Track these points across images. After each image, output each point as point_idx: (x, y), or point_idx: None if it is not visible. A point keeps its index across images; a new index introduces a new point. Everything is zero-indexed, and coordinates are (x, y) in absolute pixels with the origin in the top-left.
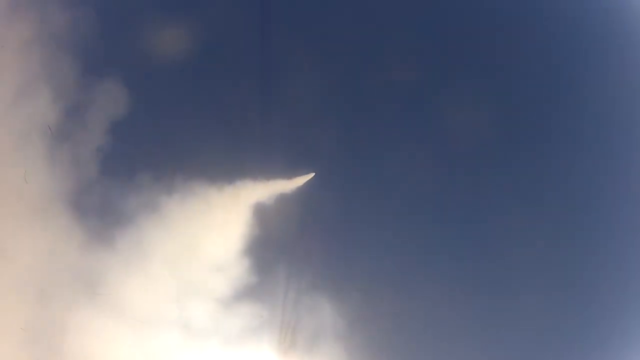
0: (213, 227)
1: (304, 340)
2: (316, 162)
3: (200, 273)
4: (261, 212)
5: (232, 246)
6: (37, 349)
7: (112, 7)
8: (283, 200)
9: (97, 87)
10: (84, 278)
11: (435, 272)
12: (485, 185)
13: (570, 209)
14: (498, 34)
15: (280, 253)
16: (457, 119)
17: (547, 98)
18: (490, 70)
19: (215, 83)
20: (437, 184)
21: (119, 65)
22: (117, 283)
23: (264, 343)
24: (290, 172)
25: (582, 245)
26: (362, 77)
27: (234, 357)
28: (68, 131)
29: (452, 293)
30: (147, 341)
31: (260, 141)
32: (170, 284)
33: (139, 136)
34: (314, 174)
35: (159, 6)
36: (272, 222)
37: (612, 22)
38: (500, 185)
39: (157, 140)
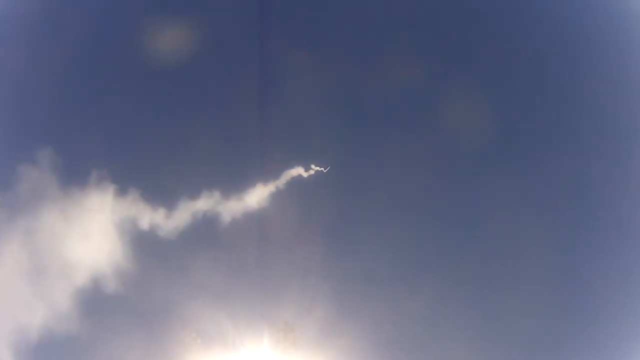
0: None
1: (304, 340)
2: (316, 162)
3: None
4: (260, 211)
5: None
6: None
7: (108, 5)
8: (282, 199)
9: None
10: None
11: (436, 271)
12: (486, 185)
13: (571, 208)
14: (499, 34)
15: (280, 252)
16: (458, 118)
17: (548, 98)
18: (491, 71)
19: (213, 83)
20: (437, 183)
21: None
22: None
23: (264, 343)
24: (287, 172)
25: (584, 245)
26: (363, 77)
27: (233, 356)
28: None
29: (453, 293)
30: None
31: (259, 141)
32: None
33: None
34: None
35: (155, 5)
36: (270, 221)
37: (613, 21)
38: (502, 184)
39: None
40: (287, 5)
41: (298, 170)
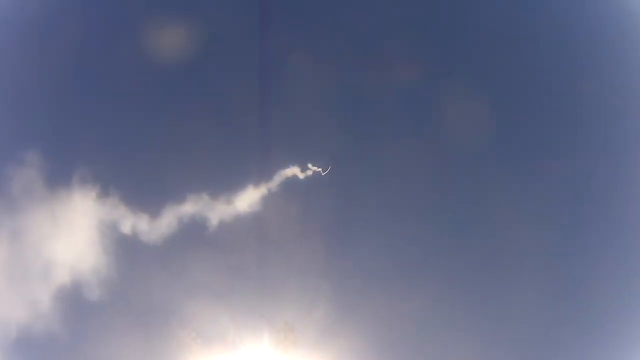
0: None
1: (304, 340)
2: (316, 161)
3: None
4: (260, 211)
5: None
6: None
7: (100, 3)
8: (281, 199)
9: None
10: None
11: (437, 271)
12: (488, 186)
13: (571, 208)
14: (499, 34)
15: (280, 253)
16: (458, 118)
17: (548, 98)
18: (491, 71)
19: (208, 82)
20: (438, 183)
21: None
22: None
23: (264, 343)
24: (285, 172)
25: (585, 245)
26: (363, 77)
27: (233, 356)
28: None
29: (454, 293)
30: None
31: (256, 141)
32: None
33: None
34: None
35: (153, 4)
36: (270, 221)
37: (613, 21)
38: (502, 185)
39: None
40: (288, 5)
41: (296, 171)
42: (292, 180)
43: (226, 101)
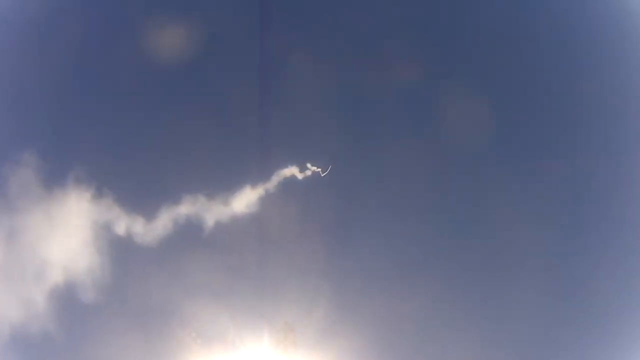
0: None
1: (304, 340)
2: (315, 161)
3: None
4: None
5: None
6: None
7: (106, 4)
8: (281, 199)
9: None
10: None
11: (437, 271)
12: (488, 186)
13: (571, 208)
14: (499, 34)
15: (280, 253)
16: (458, 118)
17: (548, 98)
18: (491, 71)
19: (213, 82)
20: (438, 183)
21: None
22: None
23: (264, 343)
24: (286, 172)
25: (585, 245)
26: (363, 77)
27: (233, 356)
28: None
29: (454, 293)
30: None
31: (258, 141)
32: None
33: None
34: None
35: (153, 4)
36: (270, 221)
37: (614, 20)
38: (502, 185)
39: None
40: (288, 5)
41: (295, 171)
42: (292, 181)
43: (226, 101)
